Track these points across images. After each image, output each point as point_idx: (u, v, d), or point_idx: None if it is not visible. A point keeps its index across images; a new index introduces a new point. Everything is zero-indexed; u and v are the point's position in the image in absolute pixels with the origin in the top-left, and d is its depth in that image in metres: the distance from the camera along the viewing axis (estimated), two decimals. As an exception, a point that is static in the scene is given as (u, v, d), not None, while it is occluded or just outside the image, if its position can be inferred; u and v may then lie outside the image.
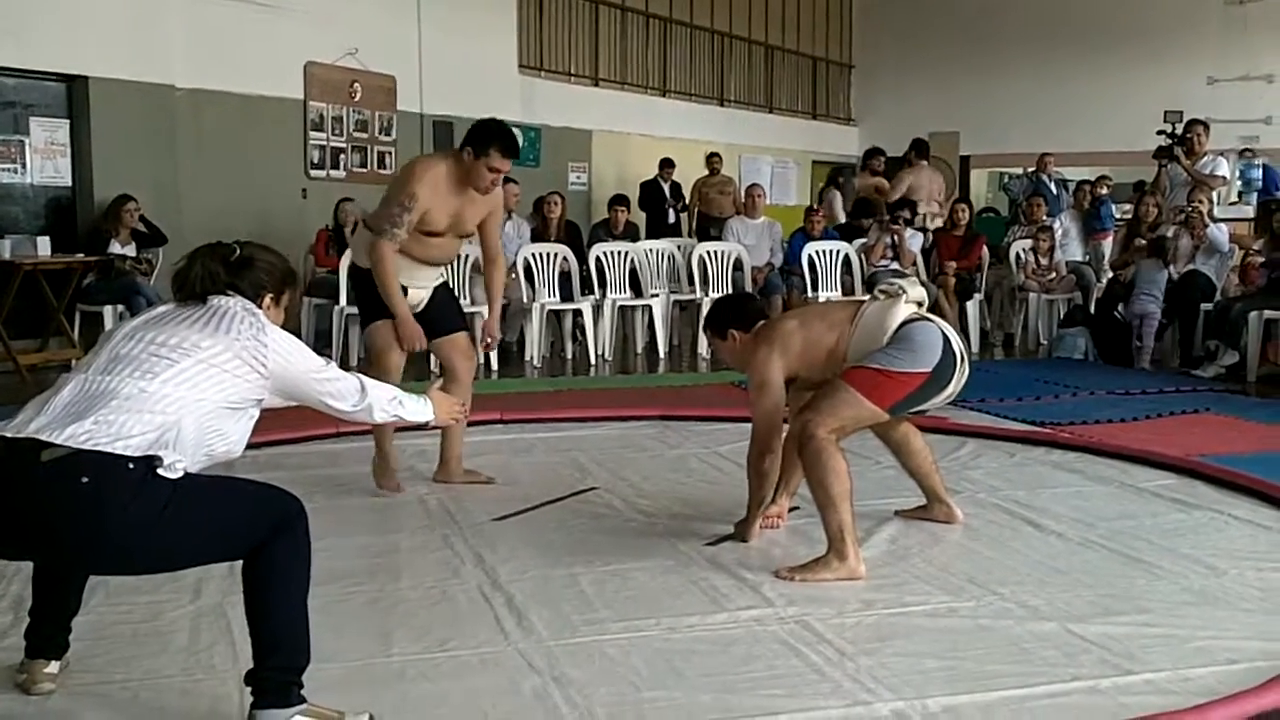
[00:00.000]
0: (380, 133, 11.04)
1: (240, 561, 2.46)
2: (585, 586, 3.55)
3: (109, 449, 2.29)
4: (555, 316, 9.36)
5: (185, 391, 2.42)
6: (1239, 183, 13.26)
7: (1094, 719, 2.65)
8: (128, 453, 2.30)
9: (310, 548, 2.51)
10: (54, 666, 2.76)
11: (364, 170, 10.84)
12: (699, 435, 5.86)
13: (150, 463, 2.31)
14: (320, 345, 8.18)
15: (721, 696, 2.74)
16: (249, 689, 2.45)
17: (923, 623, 3.26)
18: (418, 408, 2.95)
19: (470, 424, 5.88)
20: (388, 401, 2.84)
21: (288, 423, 4.84)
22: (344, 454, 5.26)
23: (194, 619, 3.22)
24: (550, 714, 2.66)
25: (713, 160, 13.03)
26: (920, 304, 3.90)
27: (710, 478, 5.03)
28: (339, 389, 2.71)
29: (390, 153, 11.10)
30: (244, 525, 2.44)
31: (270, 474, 4.79)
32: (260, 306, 2.67)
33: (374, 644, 3.07)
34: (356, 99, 10.72)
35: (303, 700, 2.44)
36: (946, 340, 3.79)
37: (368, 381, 2.79)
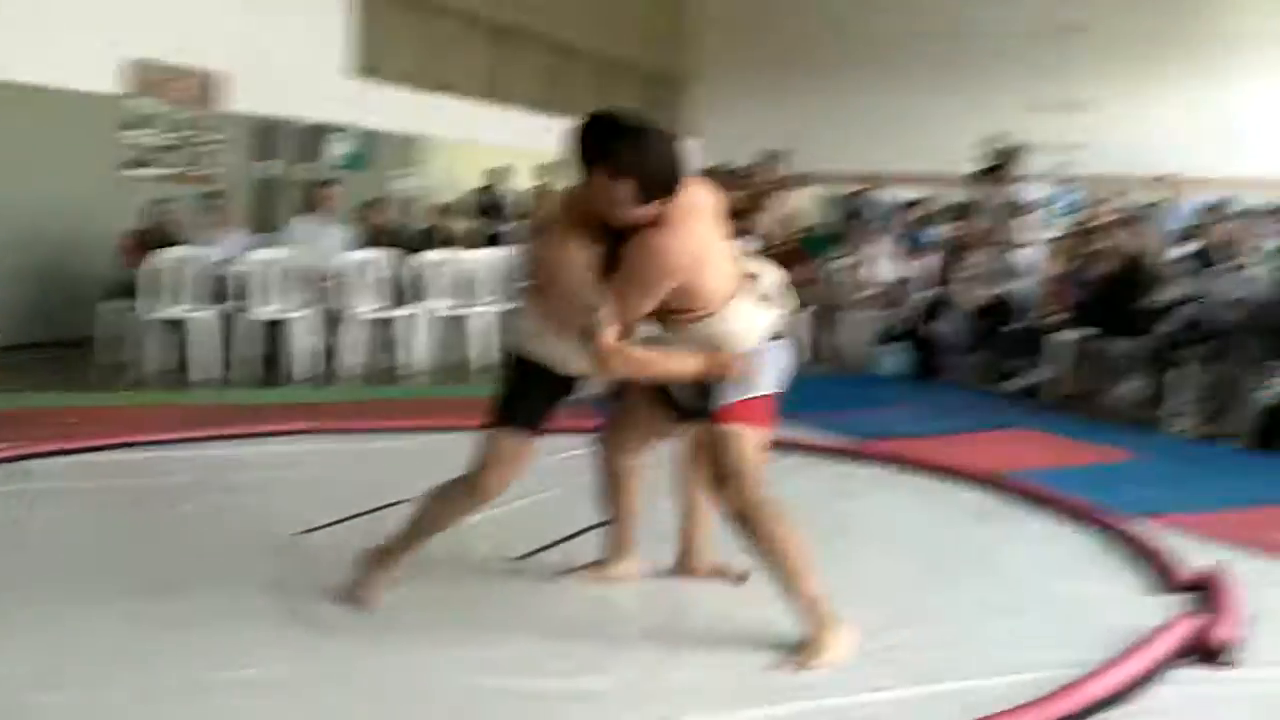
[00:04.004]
0: (199, 132, 10.67)
1: None
2: (392, 603, 3.44)
3: None
4: (377, 325, 9.16)
5: None
6: (1056, 206, 13.79)
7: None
8: None
9: None
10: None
11: (180, 170, 10.45)
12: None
13: None
14: (116, 351, 7.87)
15: (586, 707, 2.68)
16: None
17: (725, 632, 3.25)
18: None
19: (280, 434, 5.76)
20: None
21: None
22: (144, 464, 5.04)
23: None
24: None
25: (546, 170, 12.90)
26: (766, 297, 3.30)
27: (524, 490, 4.94)
28: None
29: (208, 152, 10.73)
30: None
31: (79, 483, 4.61)
32: None
33: (172, 664, 2.92)
34: (174, 96, 10.34)
35: None
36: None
37: None
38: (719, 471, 3.20)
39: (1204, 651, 3.16)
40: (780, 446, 5.71)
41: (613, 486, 3.64)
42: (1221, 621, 3.30)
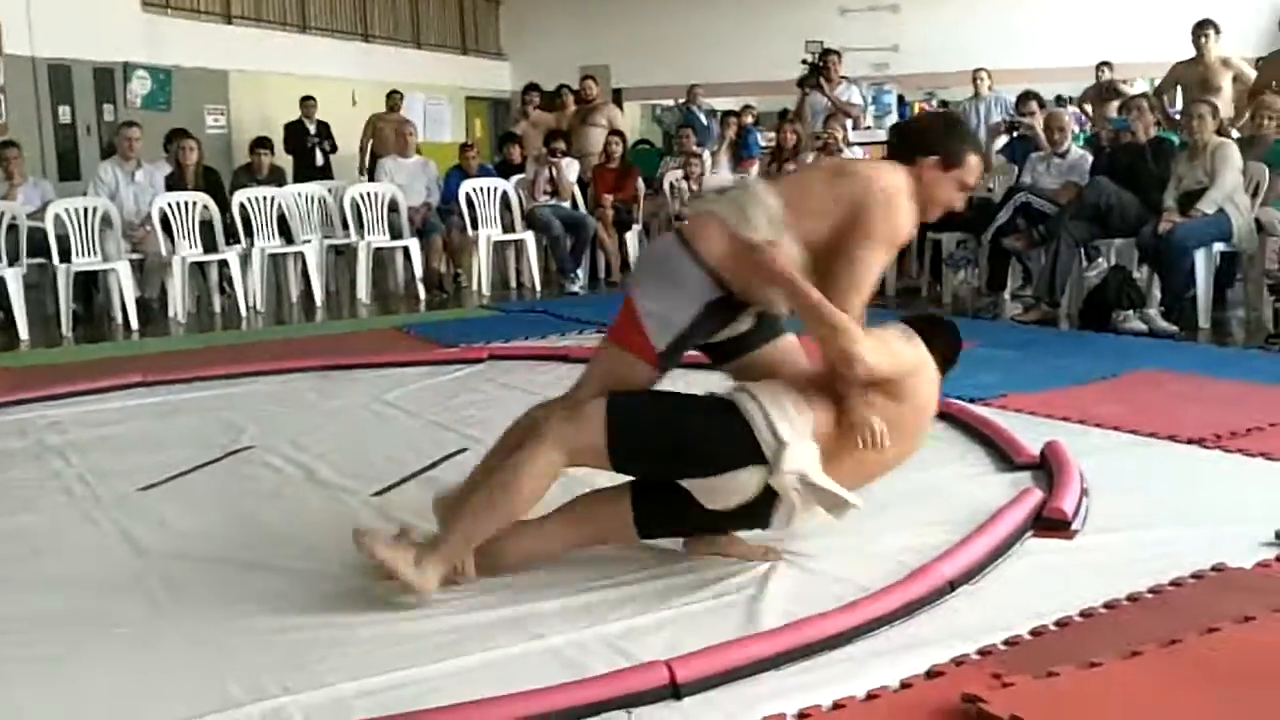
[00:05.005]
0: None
1: None
2: (245, 552, 3.34)
3: None
4: (199, 269, 8.86)
5: None
6: (872, 108, 14.03)
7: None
8: None
9: None
10: None
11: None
12: (362, 384, 5.67)
13: None
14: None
15: (398, 647, 2.64)
16: None
17: (595, 550, 3.24)
18: None
19: (109, 390, 5.54)
20: None
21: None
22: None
23: None
24: (212, 686, 2.47)
25: (393, 98, 12.48)
26: None
27: (374, 427, 4.88)
28: None
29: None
30: None
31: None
32: None
33: (14, 634, 2.79)
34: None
35: None
36: None
37: None
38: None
39: (1047, 524, 3.28)
40: None
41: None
42: (1061, 494, 3.43)
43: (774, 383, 3.01)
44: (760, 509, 2.92)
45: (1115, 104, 10.77)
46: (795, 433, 2.84)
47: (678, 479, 2.92)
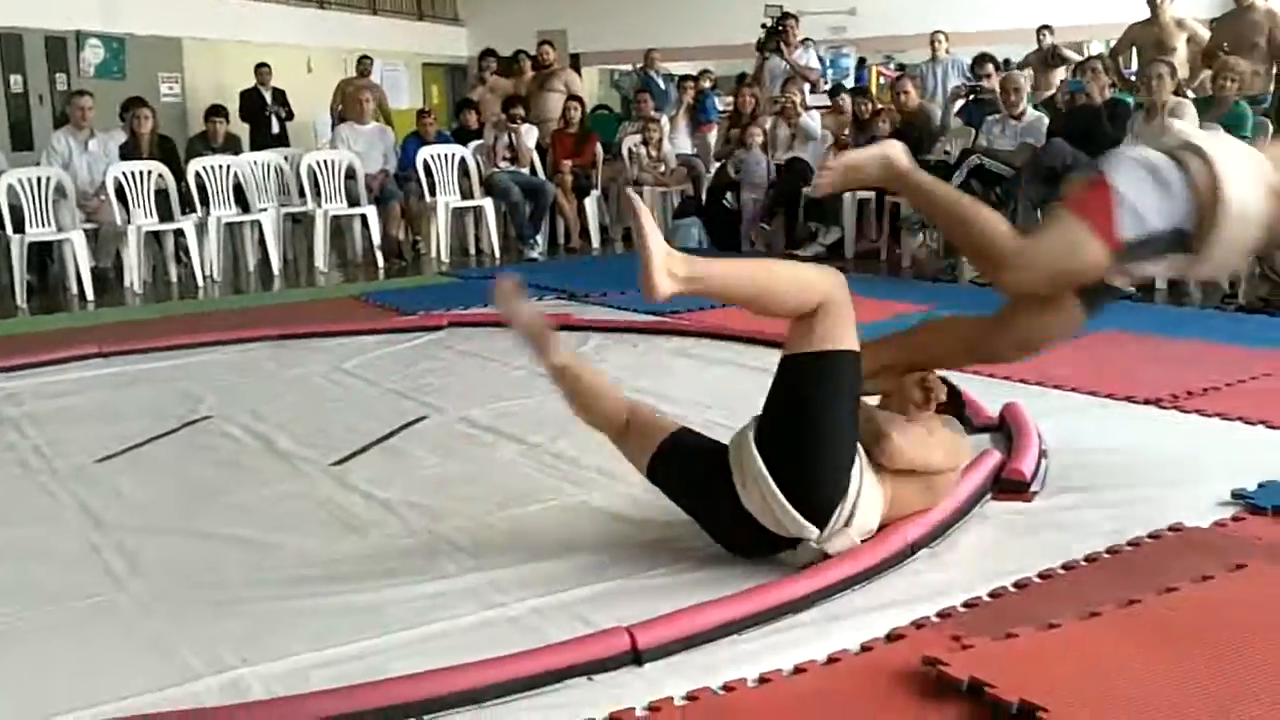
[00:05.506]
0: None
1: None
2: (204, 523, 3.31)
3: None
4: (155, 238, 8.75)
5: None
6: (830, 71, 14.01)
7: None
8: None
9: None
10: None
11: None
12: (320, 352, 5.63)
13: None
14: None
15: (357, 617, 2.62)
16: None
17: (557, 518, 3.24)
18: None
19: (65, 361, 5.48)
20: None
21: None
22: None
23: None
24: (170, 658, 2.46)
25: (363, 63, 12.32)
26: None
27: (333, 395, 4.85)
28: None
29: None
30: None
31: None
32: None
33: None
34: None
35: None
36: None
37: None
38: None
39: (1006, 485, 3.30)
40: (585, 328, 5.84)
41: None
42: (1020, 456, 3.45)
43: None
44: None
45: (1060, 70, 10.72)
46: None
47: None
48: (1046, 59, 11.10)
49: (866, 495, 2.75)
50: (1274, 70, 8.59)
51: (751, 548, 2.81)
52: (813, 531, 2.70)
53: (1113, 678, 2.15)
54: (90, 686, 2.35)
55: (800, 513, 2.68)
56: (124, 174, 8.33)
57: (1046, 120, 7.85)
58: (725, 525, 2.83)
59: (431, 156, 9.55)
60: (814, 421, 2.69)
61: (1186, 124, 6.71)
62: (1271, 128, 7.26)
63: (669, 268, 2.63)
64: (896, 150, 3.30)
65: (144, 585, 2.87)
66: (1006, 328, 3.26)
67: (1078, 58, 10.43)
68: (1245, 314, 5.90)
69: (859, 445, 2.76)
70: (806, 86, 10.24)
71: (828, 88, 11.46)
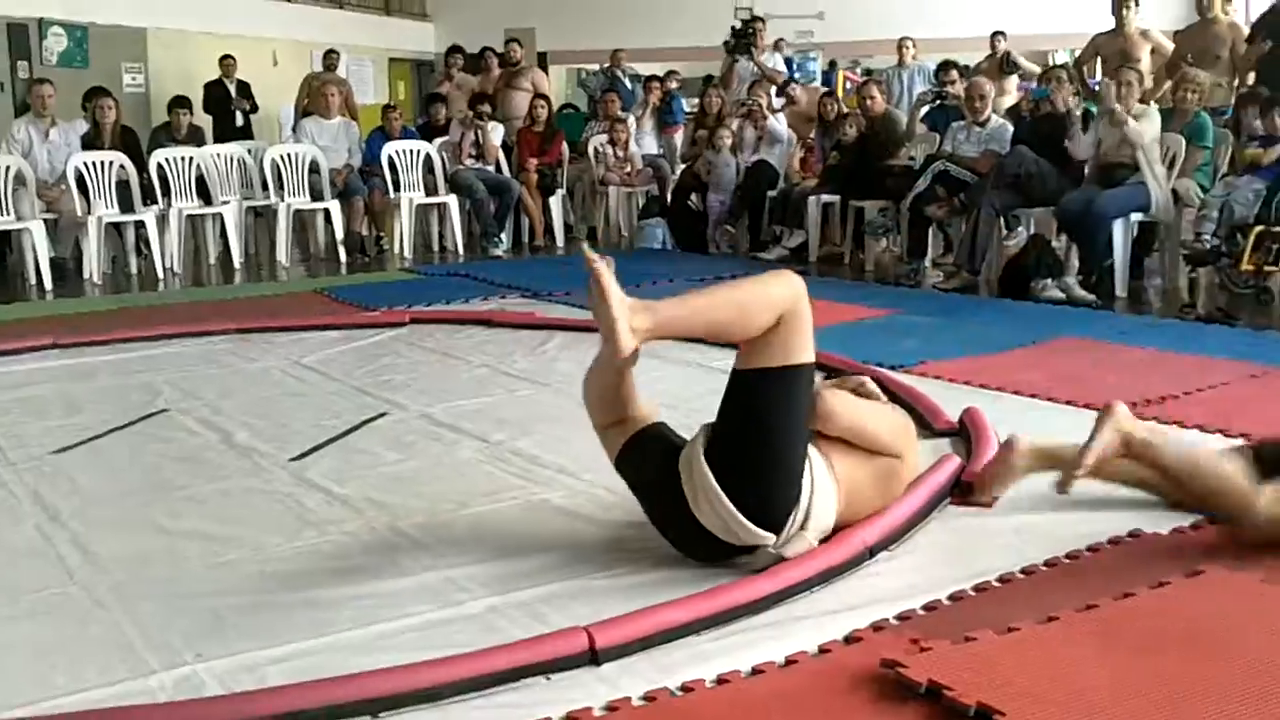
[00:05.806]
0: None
1: None
2: (160, 517, 3.28)
3: None
4: (115, 229, 8.66)
5: None
6: (798, 75, 14.05)
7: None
8: None
9: None
10: None
11: None
12: (280, 347, 5.59)
13: None
14: None
15: (314, 614, 2.60)
16: None
17: (517, 516, 3.23)
18: None
19: (20, 351, 5.42)
20: None
21: None
22: None
23: None
24: (123, 652, 2.43)
25: (330, 58, 12.23)
26: None
27: (293, 390, 4.81)
28: None
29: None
30: None
31: None
32: None
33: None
34: None
35: None
36: None
37: None
38: None
39: (966, 490, 3.32)
40: (549, 327, 5.83)
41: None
42: (980, 461, 3.47)
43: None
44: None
45: (1014, 79, 10.59)
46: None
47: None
48: (1001, 65, 11.06)
49: (820, 492, 2.76)
50: (1235, 82, 8.69)
51: (706, 556, 2.80)
52: (769, 539, 2.70)
53: (1070, 681, 2.16)
54: (42, 681, 2.32)
55: (755, 523, 2.68)
56: (85, 164, 8.25)
57: (1011, 127, 7.91)
58: (680, 532, 2.82)
59: (396, 152, 9.50)
60: (769, 437, 2.68)
61: (1144, 126, 6.79)
62: (1232, 139, 7.34)
63: (632, 324, 2.58)
64: (1123, 414, 3.11)
65: (98, 578, 2.84)
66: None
67: (1034, 68, 10.43)
68: (1203, 324, 5.95)
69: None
70: (773, 89, 10.26)
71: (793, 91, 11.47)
